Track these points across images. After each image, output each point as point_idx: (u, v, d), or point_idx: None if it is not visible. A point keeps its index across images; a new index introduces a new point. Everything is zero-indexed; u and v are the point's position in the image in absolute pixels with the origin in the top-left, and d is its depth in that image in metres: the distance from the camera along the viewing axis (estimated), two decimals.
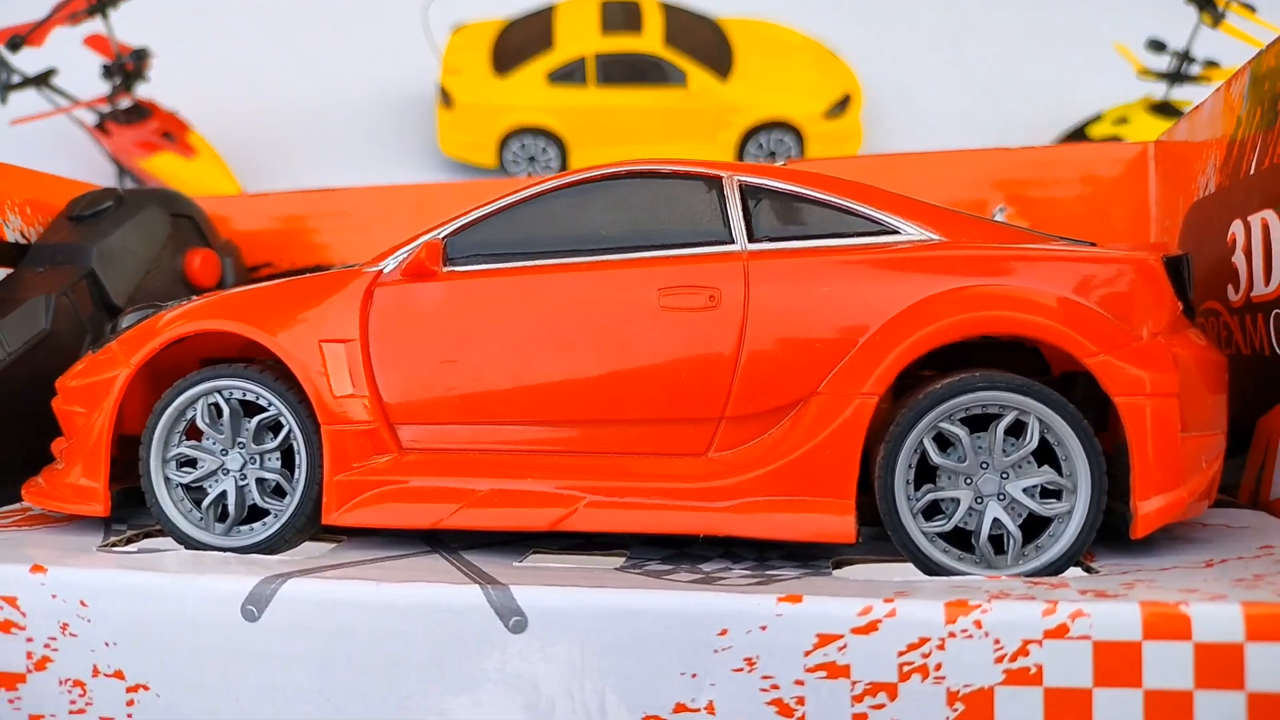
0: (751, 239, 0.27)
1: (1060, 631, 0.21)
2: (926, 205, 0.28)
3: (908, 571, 0.26)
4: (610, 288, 0.27)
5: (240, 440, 0.28)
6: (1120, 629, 0.21)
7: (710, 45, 0.88)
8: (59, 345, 0.37)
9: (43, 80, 0.85)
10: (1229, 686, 0.20)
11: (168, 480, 0.28)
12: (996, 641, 0.21)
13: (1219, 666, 0.20)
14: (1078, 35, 1.10)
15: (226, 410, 0.28)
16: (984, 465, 0.25)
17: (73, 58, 0.85)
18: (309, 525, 0.28)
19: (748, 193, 0.28)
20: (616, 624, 0.21)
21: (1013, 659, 0.21)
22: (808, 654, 0.21)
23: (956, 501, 0.25)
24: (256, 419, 0.28)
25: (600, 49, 0.84)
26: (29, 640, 0.25)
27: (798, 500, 0.25)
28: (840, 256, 0.26)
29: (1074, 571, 0.26)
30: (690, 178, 0.28)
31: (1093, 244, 0.29)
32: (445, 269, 0.27)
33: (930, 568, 0.25)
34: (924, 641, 0.21)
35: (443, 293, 0.27)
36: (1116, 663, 0.21)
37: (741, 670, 0.21)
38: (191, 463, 0.29)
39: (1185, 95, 0.84)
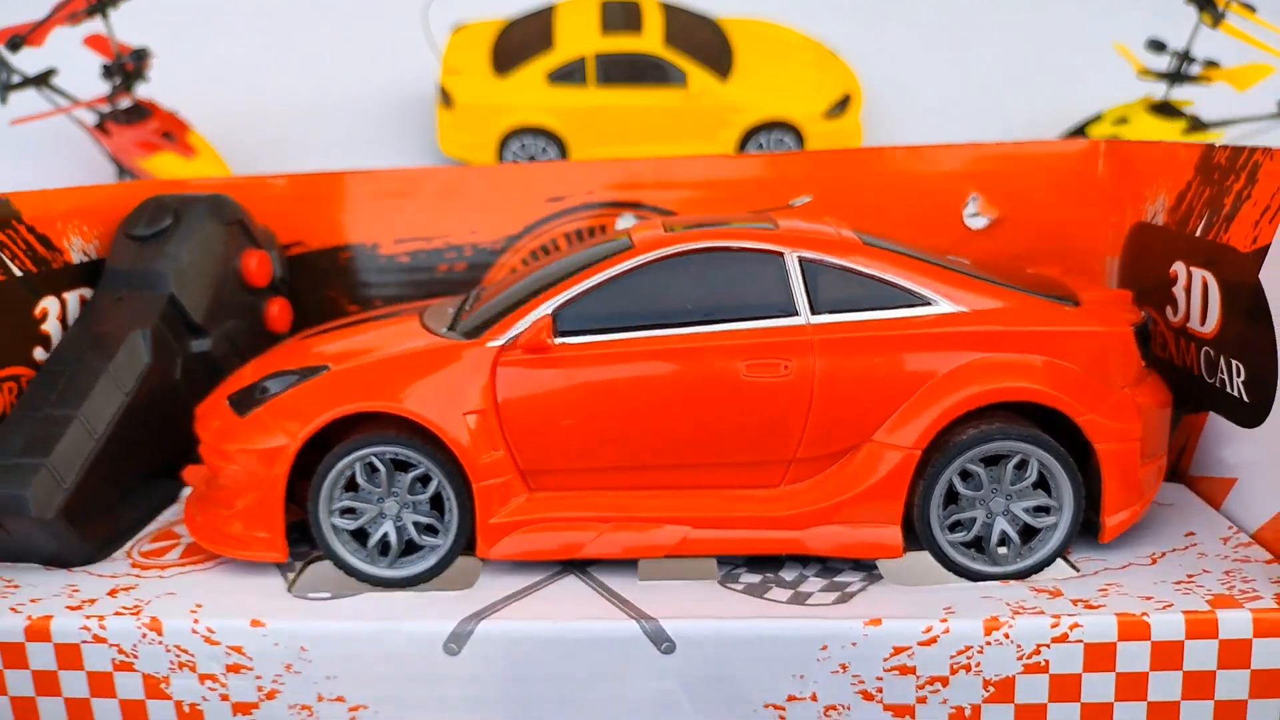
0: (814, 311, 0.33)
1: (1062, 638, 0.29)
2: (953, 274, 0.33)
3: (928, 562, 0.33)
4: (702, 361, 0.32)
5: (395, 490, 0.33)
6: (1102, 634, 0.29)
7: (710, 45, 0.89)
8: (157, 374, 0.39)
9: (43, 80, 0.85)
10: (1173, 668, 0.29)
11: (334, 527, 0.33)
12: (1018, 646, 0.29)
13: (1168, 657, 0.29)
14: (1078, 35, 1.10)
15: (382, 468, 0.33)
16: (994, 490, 0.32)
17: (73, 58, 0.86)
18: (458, 556, 0.34)
19: (806, 268, 0.33)
20: (746, 645, 0.30)
21: (1029, 656, 0.29)
22: (885, 660, 0.29)
23: (974, 519, 0.32)
24: (410, 475, 0.33)
25: (600, 49, 0.85)
26: (258, 678, 0.31)
27: (858, 526, 0.33)
28: (888, 331, 0.32)
29: (1063, 569, 0.33)
30: (756, 254, 0.33)
31: (1074, 298, 0.35)
32: (556, 340, 0.32)
33: (951, 566, 0.33)
34: (968, 649, 0.29)
35: (557, 366, 0.33)
36: (1099, 656, 0.29)
37: (837, 672, 0.30)
38: (351, 510, 0.33)
39: (1185, 95, 0.85)
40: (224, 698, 0.31)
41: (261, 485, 0.32)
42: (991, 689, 0.29)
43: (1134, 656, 0.29)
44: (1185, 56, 0.82)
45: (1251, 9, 0.80)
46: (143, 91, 0.87)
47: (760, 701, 0.30)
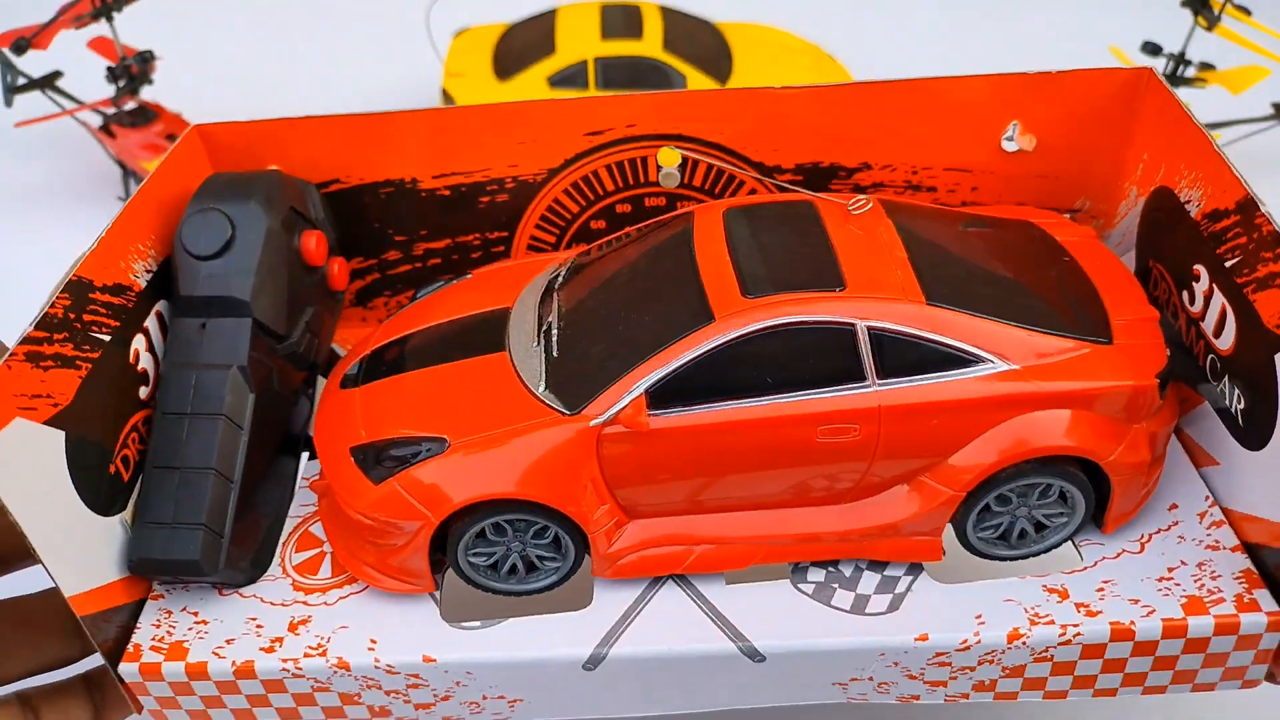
0: (879, 377, 0.38)
1: (1066, 642, 0.38)
2: (1004, 331, 0.38)
3: (960, 554, 0.42)
4: (781, 431, 0.38)
5: (519, 537, 0.40)
6: (1098, 638, 0.38)
7: (709, 49, 0.91)
8: (261, 395, 0.43)
9: (48, 83, 0.87)
10: (1148, 654, 0.39)
11: (470, 563, 0.41)
12: (1032, 649, 0.39)
13: (1146, 649, 0.39)
14: (1074, 39, 1.12)
15: (508, 527, 0.40)
16: (1022, 503, 0.40)
17: (78, 61, 0.88)
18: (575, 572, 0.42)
19: (874, 337, 0.38)
20: (822, 656, 0.39)
21: (1039, 652, 0.39)
22: (928, 660, 0.39)
23: (1001, 522, 0.41)
24: (532, 530, 0.40)
25: (600, 53, 0.87)
26: (433, 690, 0.40)
27: (910, 539, 0.41)
28: (945, 395, 0.38)
29: (1070, 554, 0.41)
30: (830, 327, 0.38)
31: (1109, 330, 0.40)
32: (650, 414, 0.37)
33: (979, 553, 0.42)
34: (993, 652, 0.38)
35: (653, 438, 0.38)
36: (1093, 650, 0.39)
37: (890, 667, 0.39)
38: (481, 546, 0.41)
39: (1181, 97, 0.90)
40: (406, 701, 0.40)
41: (406, 548, 0.39)
42: (1007, 670, 0.39)
43: (1120, 649, 0.38)
44: (1181, 59, 0.84)
45: (1247, 12, 0.82)
46: (147, 94, 0.89)
47: (829, 682, 0.40)
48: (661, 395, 0.38)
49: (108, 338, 0.41)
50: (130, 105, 0.86)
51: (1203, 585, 0.39)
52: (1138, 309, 0.41)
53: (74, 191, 0.95)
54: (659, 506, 0.40)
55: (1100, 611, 0.38)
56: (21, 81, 0.85)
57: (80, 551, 0.38)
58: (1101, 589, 0.40)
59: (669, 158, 0.46)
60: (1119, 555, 0.41)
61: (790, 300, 0.38)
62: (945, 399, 0.38)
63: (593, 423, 0.38)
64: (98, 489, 0.40)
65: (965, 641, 0.38)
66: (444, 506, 0.39)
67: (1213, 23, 0.81)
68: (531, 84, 0.84)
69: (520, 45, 0.87)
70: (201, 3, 1.22)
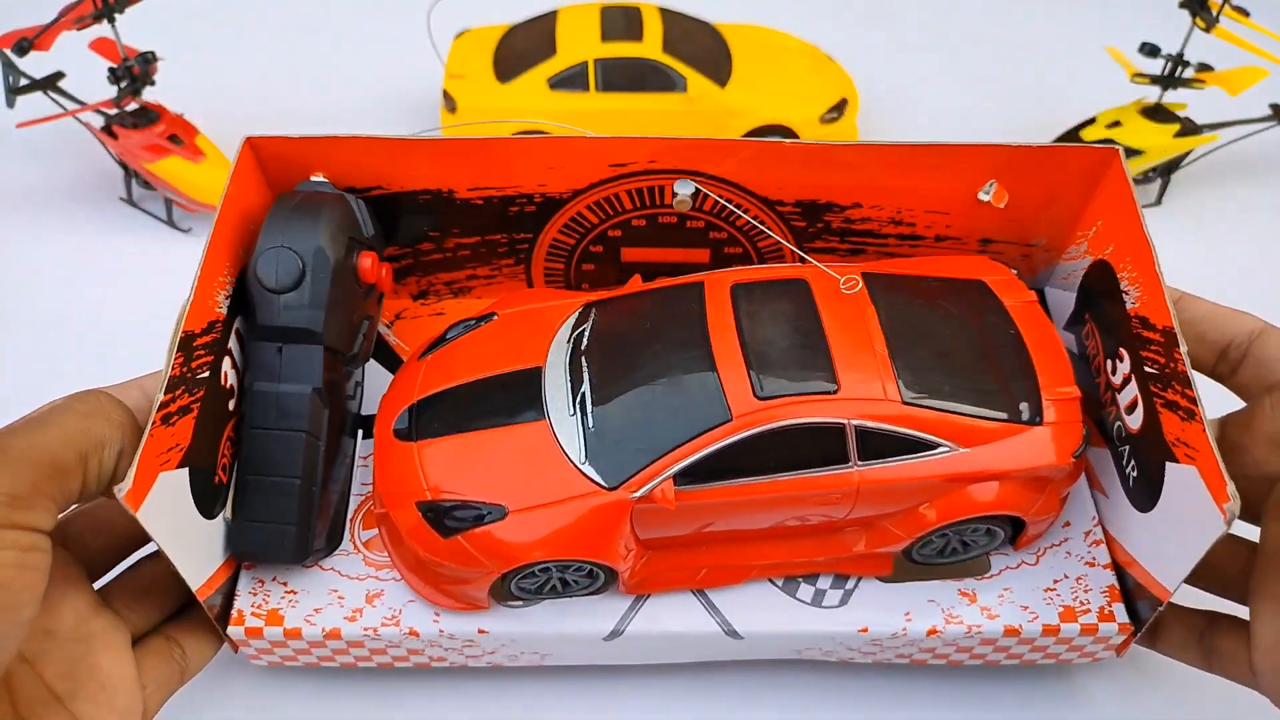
0: (860, 459, 0.50)
1: (970, 636, 0.53)
2: (956, 420, 0.50)
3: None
4: (780, 502, 0.50)
5: (559, 570, 0.51)
6: (994, 634, 0.53)
7: (709, 50, 0.94)
8: (333, 407, 0.54)
9: (50, 84, 0.89)
10: (1026, 644, 0.53)
11: (519, 588, 0.52)
12: (944, 640, 0.54)
13: (1029, 642, 0.53)
14: (1071, 40, 1.16)
15: (552, 566, 0.50)
16: (956, 534, 0.54)
17: (80, 62, 0.88)
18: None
19: (859, 432, 0.49)
20: (787, 637, 0.54)
21: (950, 641, 0.54)
22: (868, 643, 0.54)
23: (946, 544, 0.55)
24: (571, 567, 0.51)
25: (601, 55, 0.90)
26: (483, 650, 0.54)
27: (868, 561, 0.54)
28: (906, 473, 0.50)
29: (983, 562, 0.56)
30: (826, 429, 0.49)
31: (1040, 410, 0.52)
32: (676, 489, 0.49)
33: (917, 563, 0.55)
34: (915, 641, 0.54)
35: (674, 510, 0.50)
36: (989, 642, 0.53)
37: (837, 645, 0.54)
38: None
39: (1178, 99, 0.90)
40: (460, 654, 0.55)
41: (470, 585, 0.51)
42: (924, 650, 0.55)
43: (1008, 641, 0.54)
44: (1179, 60, 0.86)
45: (1245, 13, 0.86)
46: (149, 95, 0.91)
47: (791, 650, 0.55)
48: (684, 475, 0.50)
49: (207, 373, 0.50)
50: (132, 106, 0.87)
51: (1077, 597, 0.55)
52: (1064, 388, 0.53)
53: (76, 192, 0.97)
54: (675, 541, 0.54)
55: (999, 615, 0.54)
56: (23, 82, 0.86)
57: (199, 553, 0.50)
58: (1002, 595, 0.55)
59: (684, 188, 0.56)
60: (1019, 566, 0.56)
61: (795, 403, 0.49)
62: (910, 476, 0.51)
63: (629, 497, 0.50)
64: (207, 500, 0.51)
65: (895, 634, 0.53)
66: (506, 563, 0.49)
67: (1211, 24, 0.84)
68: (532, 85, 0.86)
69: (521, 47, 0.89)
70: (203, 4, 1.18)
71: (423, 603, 0.54)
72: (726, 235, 0.65)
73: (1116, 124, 0.90)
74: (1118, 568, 0.55)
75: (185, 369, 0.48)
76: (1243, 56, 0.87)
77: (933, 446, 0.50)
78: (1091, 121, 0.92)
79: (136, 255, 0.89)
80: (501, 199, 0.62)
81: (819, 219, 0.63)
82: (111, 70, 0.86)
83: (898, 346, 0.51)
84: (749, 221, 0.63)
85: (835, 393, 0.49)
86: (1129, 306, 0.55)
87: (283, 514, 0.52)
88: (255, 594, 0.54)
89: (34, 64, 0.86)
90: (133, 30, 0.89)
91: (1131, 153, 0.89)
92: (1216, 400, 0.51)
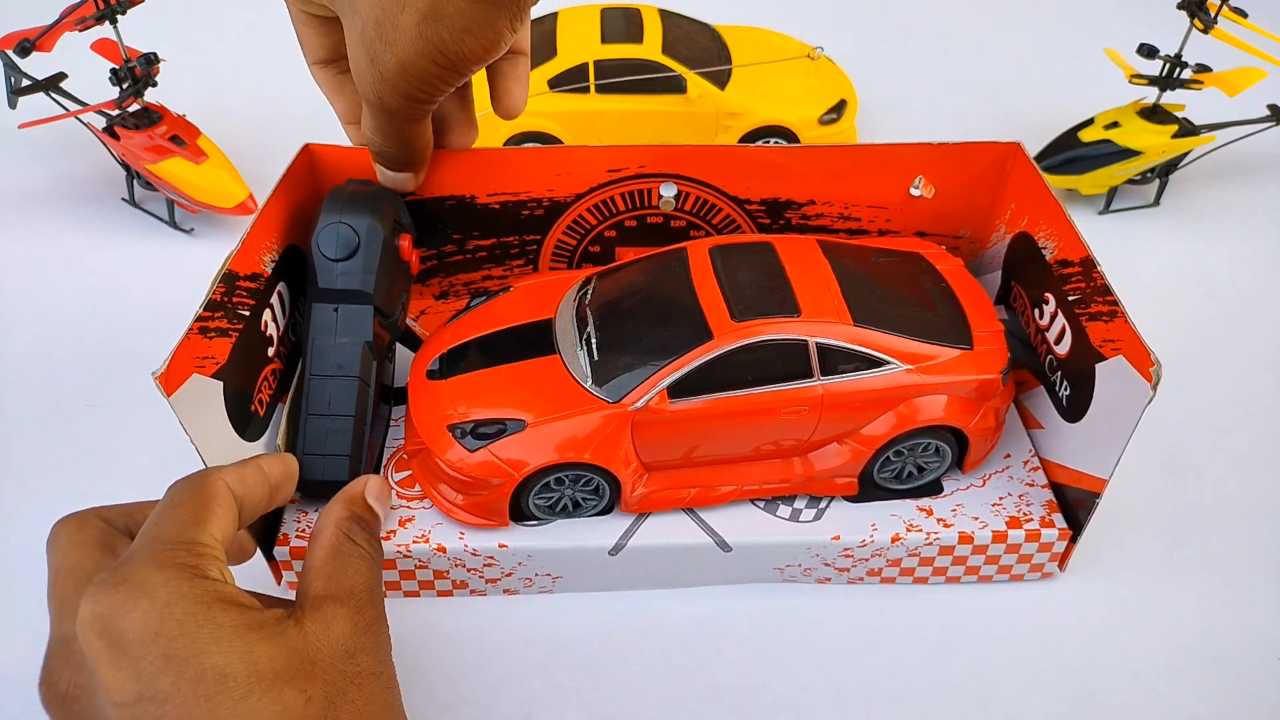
0: (822, 374, 0.71)
1: (930, 543, 0.74)
2: (900, 341, 0.72)
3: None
4: (758, 412, 0.71)
5: (570, 486, 0.72)
6: (950, 540, 0.74)
7: (708, 52, 1.13)
8: (379, 361, 0.75)
9: (52, 85, 1.00)
10: (980, 553, 0.75)
11: (535, 505, 0.73)
12: (907, 548, 0.75)
13: (981, 550, 0.77)
14: (1069, 41, 1.37)
15: (566, 478, 0.71)
16: (909, 454, 0.77)
17: (82, 63, 1.01)
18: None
19: (819, 349, 0.70)
20: (770, 549, 0.75)
21: (911, 549, 0.75)
22: (840, 553, 0.74)
23: (895, 467, 0.78)
24: (581, 481, 0.72)
25: (601, 56, 1.05)
26: (501, 568, 0.74)
27: (839, 481, 0.75)
28: (864, 386, 0.71)
29: (937, 487, 0.79)
30: (791, 344, 0.70)
31: (970, 338, 0.76)
32: (670, 403, 0.70)
33: (879, 488, 0.76)
34: (881, 549, 0.74)
35: (669, 418, 0.70)
36: (946, 549, 0.75)
37: (814, 557, 0.75)
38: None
39: (1176, 99, 1.05)
40: (481, 576, 0.76)
41: (492, 496, 0.73)
42: (890, 562, 0.77)
43: (964, 549, 0.76)
44: (1177, 61, 0.98)
45: (1243, 14, 0.98)
46: (151, 96, 1.04)
47: (771, 566, 0.77)
48: (675, 389, 0.73)
49: (247, 313, 0.71)
50: (134, 107, 1.00)
51: (1020, 509, 0.77)
52: (990, 323, 0.79)
53: (78, 193, 1.11)
54: (668, 462, 0.76)
55: (953, 525, 0.76)
56: (25, 84, 0.99)
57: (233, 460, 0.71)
58: (955, 510, 0.78)
59: (668, 190, 0.81)
60: (968, 488, 0.79)
61: (764, 324, 0.70)
62: (864, 389, 0.74)
63: (629, 409, 0.73)
64: (244, 422, 0.74)
65: (863, 541, 0.75)
66: (527, 467, 0.70)
67: (1209, 25, 0.96)
68: (533, 86, 1.01)
69: None
70: (205, 5, 1.39)
71: (449, 524, 0.76)
72: (704, 232, 0.91)
73: (1115, 125, 1.05)
74: (1055, 487, 0.78)
75: (226, 299, 0.68)
76: (1241, 58, 1.00)
77: (882, 364, 0.74)
78: (1089, 122, 1.08)
79: (138, 256, 1.04)
80: (515, 203, 0.89)
81: (781, 215, 0.91)
82: (113, 71, 0.98)
83: (849, 289, 0.77)
84: (724, 218, 0.89)
85: (798, 317, 0.73)
86: (1048, 257, 0.81)
87: (340, 446, 0.75)
88: (299, 521, 0.76)
89: (36, 65, 0.97)
90: (135, 31, 1.00)
91: (1130, 153, 1.05)
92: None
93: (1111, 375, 0.70)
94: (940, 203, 0.88)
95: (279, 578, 0.77)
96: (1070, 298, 0.77)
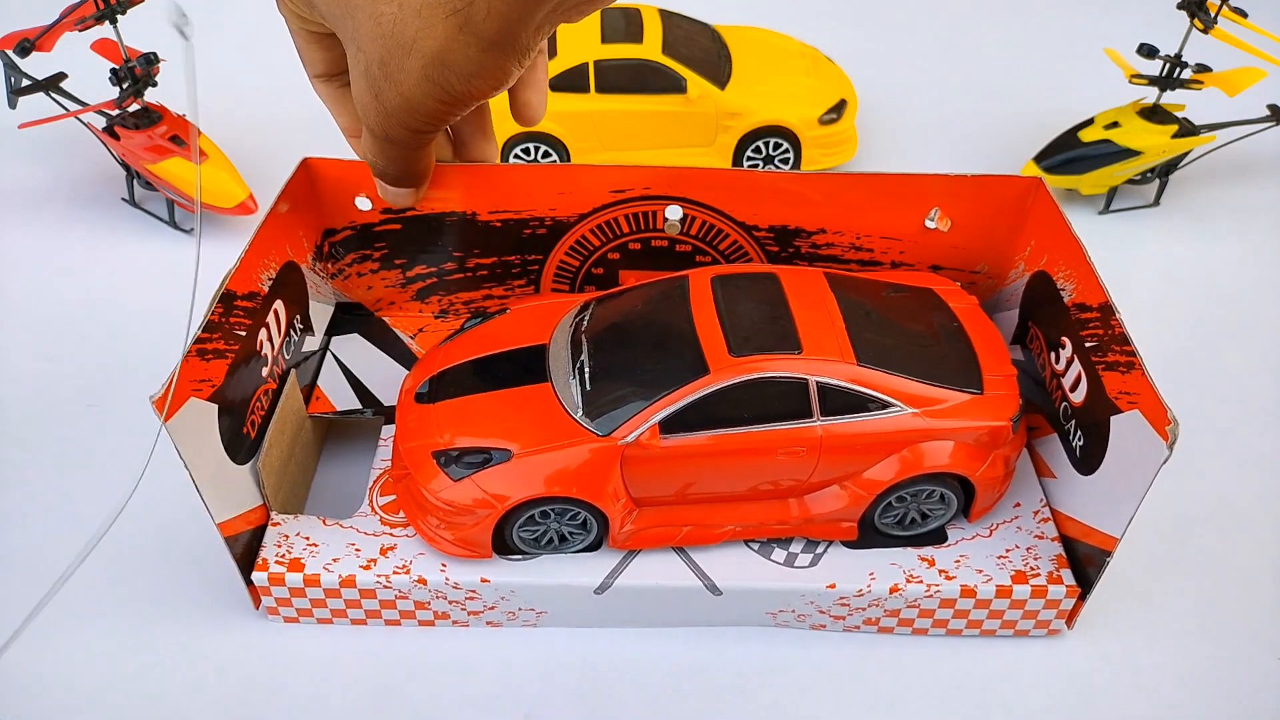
0: (822, 415, 0.69)
1: (930, 595, 0.72)
2: (906, 384, 0.70)
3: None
4: (752, 452, 0.69)
5: (557, 519, 0.71)
6: (951, 594, 0.72)
7: (708, 52, 1.13)
8: None
9: (52, 85, 1.01)
10: (983, 608, 0.73)
11: (520, 537, 0.72)
12: (906, 599, 0.73)
13: (984, 604, 0.73)
14: (1070, 41, 1.38)
15: (551, 512, 0.70)
16: (913, 500, 0.75)
17: (82, 63, 1.02)
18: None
19: (819, 388, 0.68)
20: (762, 594, 0.73)
21: (911, 601, 0.73)
22: (835, 601, 0.73)
23: (898, 512, 0.75)
24: (567, 514, 0.70)
25: (601, 56, 1.06)
26: (484, 602, 0.74)
27: (839, 525, 0.74)
28: (862, 429, 0.70)
29: (940, 535, 0.77)
30: (790, 382, 0.68)
31: (980, 382, 0.73)
32: (661, 438, 0.68)
33: (880, 534, 0.75)
34: (879, 599, 0.73)
35: (660, 454, 0.69)
36: (947, 602, 0.73)
37: (809, 604, 0.73)
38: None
39: (1176, 99, 1.07)
40: (463, 609, 0.75)
41: (475, 527, 0.71)
42: (888, 612, 0.74)
43: (965, 603, 0.74)
44: (1177, 61, 0.99)
45: (1243, 14, 1.00)
46: (151, 96, 1.05)
47: (764, 611, 0.75)
48: (668, 424, 0.71)
49: (244, 333, 0.74)
50: (134, 107, 1.01)
51: (1027, 563, 0.75)
52: (1002, 367, 0.76)
53: (78, 193, 1.12)
54: (660, 499, 0.74)
55: (955, 577, 0.74)
56: (25, 83, 1.00)
57: (224, 490, 0.71)
58: (959, 561, 0.75)
59: (674, 213, 0.79)
60: (974, 538, 0.77)
61: (763, 360, 0.68)
62: (866, 432, 0.72)
63: (620, 443, 0.71)
64: (235, 445, 0.73)
65: (860, 590, 0.73)
66: (510, 500, 0.69)
67: (1209, 25, 0.97)
68: None
69: None
70: (206, 5, 1.40)
71: (432, 554, 0.75)
72: (711, 259, 0.89)
73: (1115, 125, 1.06)
74: (1065, 541, 0.75)
75: (224, 319, 0.69)
76: (1241, 58, 1.01)
77: (885, 405, 0.72)
78: (1089, 122, 1.09)
79: (138, 256, 1.05)
80: (517, 221, 0.88)
81: (790, 244, 0.89)
82: (113, 71, 0.99)
83: (854, 326, 0.74)
84: (731, 244, 0.87)
85: (799, 354, 0.71)
86: (1066, 299, 0.78)
87: None
88: (280, 546, 0.75)
89: (36, 65, 1.01)
90: (135, 31, 1.03)
91: (1130, 153, 1.05)
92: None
93: (1127, 430, 0.67)
94: (957, 236, 0.86)
95: (257, 603, 0.75)
96: (1088, 344, 0.75)
